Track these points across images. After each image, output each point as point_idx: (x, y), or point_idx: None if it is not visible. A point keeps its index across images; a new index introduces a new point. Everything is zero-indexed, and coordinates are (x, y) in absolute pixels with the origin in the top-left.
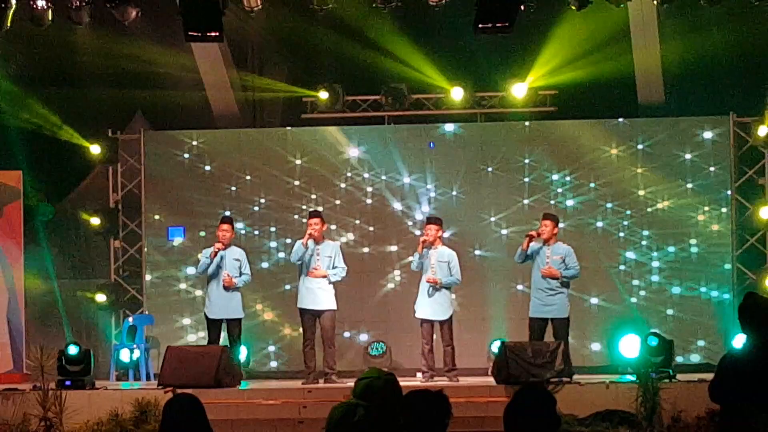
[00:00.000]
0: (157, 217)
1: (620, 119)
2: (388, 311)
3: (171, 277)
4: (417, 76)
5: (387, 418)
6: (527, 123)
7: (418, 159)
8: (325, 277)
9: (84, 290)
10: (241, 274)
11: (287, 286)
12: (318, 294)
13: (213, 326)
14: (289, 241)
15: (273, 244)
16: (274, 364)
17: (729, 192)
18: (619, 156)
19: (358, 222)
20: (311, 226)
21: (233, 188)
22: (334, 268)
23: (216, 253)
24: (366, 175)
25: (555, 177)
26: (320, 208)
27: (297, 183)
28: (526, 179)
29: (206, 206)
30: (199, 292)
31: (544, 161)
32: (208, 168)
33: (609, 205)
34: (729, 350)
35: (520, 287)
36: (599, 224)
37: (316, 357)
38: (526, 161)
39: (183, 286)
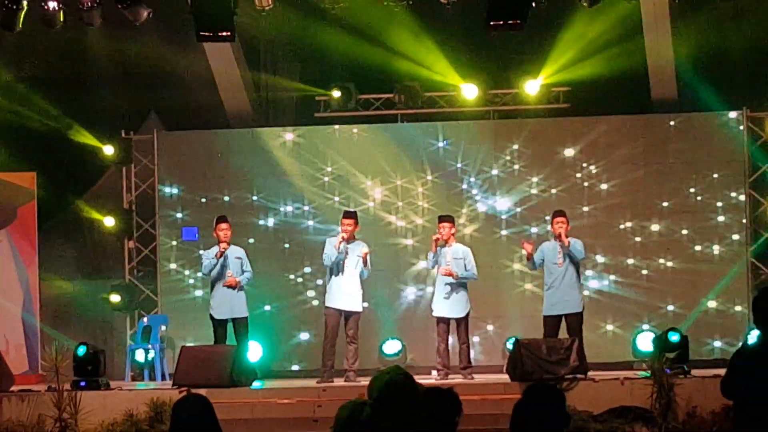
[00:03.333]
0: (170, 217)
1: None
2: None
3: (185, 277)
4: (430, 74)
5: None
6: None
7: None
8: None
9: (99, 291)
10: (243, 272)
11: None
12: (350, 294)
13: (220, 326)
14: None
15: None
16: (292, 363)
17: (743, 187)
18: (632, 153)
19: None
20: (344, 227)
21: (246, 187)
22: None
23: (222, 253)
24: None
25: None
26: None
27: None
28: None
29: (220, 206)
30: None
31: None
32: (221, 168)
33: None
34: (741, 345)
35: (528, 286)
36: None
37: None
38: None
39: (197, 285)
